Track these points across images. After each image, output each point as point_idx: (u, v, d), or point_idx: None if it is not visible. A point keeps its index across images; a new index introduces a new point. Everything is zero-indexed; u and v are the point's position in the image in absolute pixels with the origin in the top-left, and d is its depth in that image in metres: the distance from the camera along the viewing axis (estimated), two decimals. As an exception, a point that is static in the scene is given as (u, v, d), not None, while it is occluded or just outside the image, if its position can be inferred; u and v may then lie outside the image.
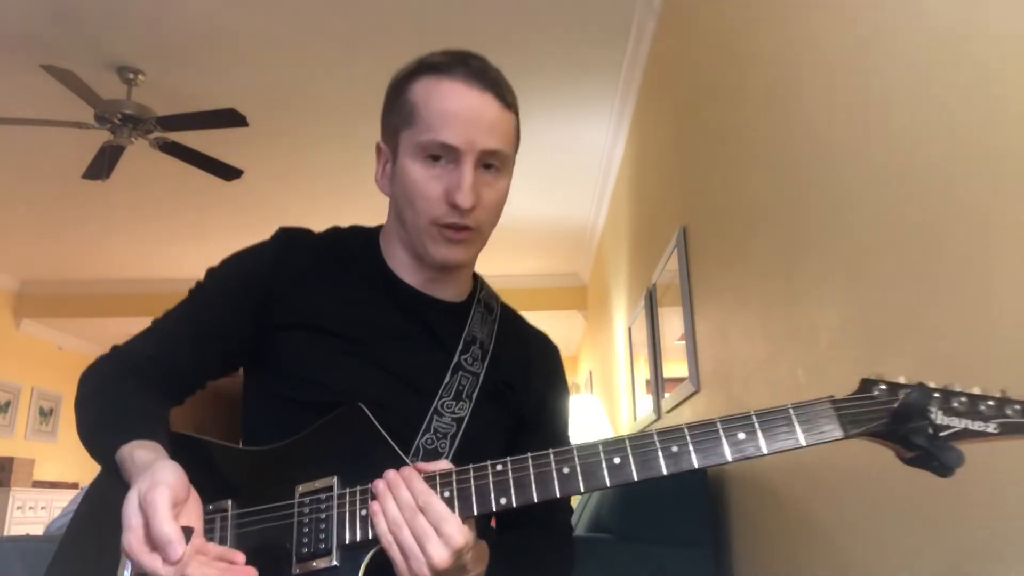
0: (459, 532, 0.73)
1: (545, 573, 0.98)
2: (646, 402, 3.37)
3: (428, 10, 3.06)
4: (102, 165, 3.77)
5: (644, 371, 3.34)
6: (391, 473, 0.77)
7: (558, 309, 6.28)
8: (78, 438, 0.89)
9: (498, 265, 5.92)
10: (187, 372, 0.96)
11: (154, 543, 0.67)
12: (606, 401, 4.95)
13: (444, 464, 0.78)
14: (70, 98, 3.31)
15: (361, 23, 3.17)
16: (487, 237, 0.99)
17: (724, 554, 1.93)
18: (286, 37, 3.28)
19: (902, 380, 0.70)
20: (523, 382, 1.02)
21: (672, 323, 2.68)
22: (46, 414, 6.98)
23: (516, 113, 0.98)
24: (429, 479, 0.76)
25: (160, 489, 0.70)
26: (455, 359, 0.97)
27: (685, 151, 2.50)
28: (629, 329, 3.78)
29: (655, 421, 3.10)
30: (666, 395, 2.85)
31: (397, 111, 0.95)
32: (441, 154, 0.90)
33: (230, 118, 3.42)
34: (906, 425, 0.66)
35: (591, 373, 6.11)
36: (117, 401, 0.88)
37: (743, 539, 1.85)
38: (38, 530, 5.68)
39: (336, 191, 4.81)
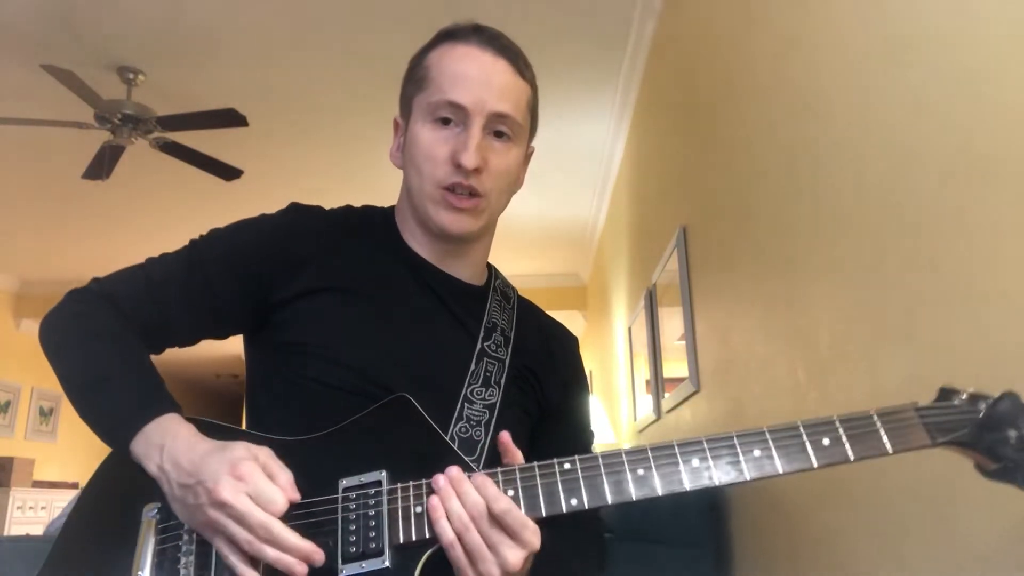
0: (536, 536, 0.70)
1: (578, 570, 0.95)
2: (646, 402, 3.37)
3: (427, 10, 3.06)
4: (102, 165, 3.77)
5: (644, 371, 3.34)
6: (454, 470, 0.72)
7: (558, 309, 6.24)
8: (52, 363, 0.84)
9: (498, 265, 5.85)
10: (172, 329, 0.92)
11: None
12: (606, 401, 4.95)
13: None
14: (70, 98, 3.31)
15: (360, 23, 3.17)
16: (495, 211, 0.96)
17: (724, 554, 1.93)
18: (286, 37, 3.28)
19: (972, 390, 0.68)
20: (547, 370, 0.99)
21: (672, 323, 2.68)
22: (46, 414, 6.97)
23: (532, 87, 0.97)
24: (491, 476, 0.72)
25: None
26: (479, 345, 0.94)
27: (685, 151, 2.50)
28: (629, 329, 3.78)
29: (655, 421, 3.10)
30: (666, 395, 2.85)
31: (413, 80, 0.96)
32: (451, 116, 0.90)
33: (230, 118, 3.42)
34: (993, 435, 0.65)
35: (591, 373, 6.10)
36: (121, 360, 0.85)
37: (743, 539, 1.85)
38: (38, 530, 5.68)
39: (336, 190, 4.77)
